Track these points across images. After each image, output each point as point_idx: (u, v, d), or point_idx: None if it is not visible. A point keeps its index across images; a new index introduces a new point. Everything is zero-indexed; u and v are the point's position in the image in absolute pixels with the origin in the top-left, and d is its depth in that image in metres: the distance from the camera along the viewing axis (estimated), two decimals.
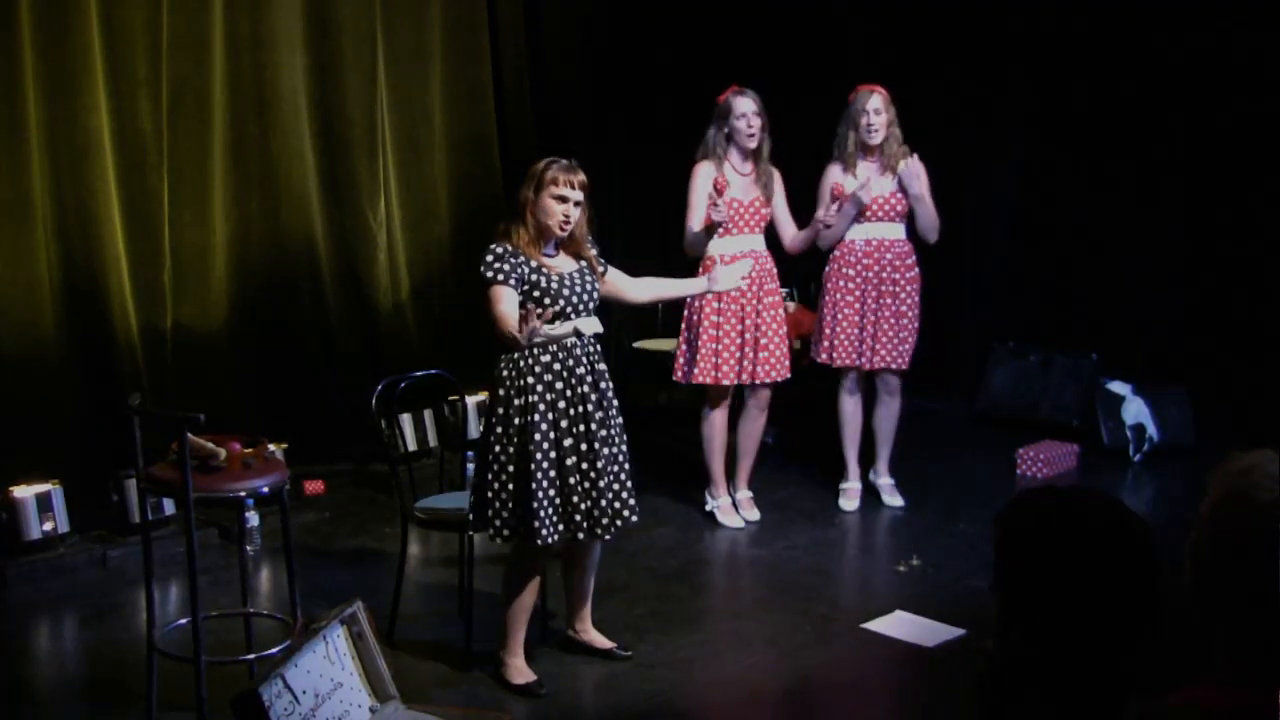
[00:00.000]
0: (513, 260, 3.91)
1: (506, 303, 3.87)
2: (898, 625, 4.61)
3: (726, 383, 5.44)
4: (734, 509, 5.69)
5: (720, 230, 5.31)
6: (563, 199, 3.96)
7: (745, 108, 5.31)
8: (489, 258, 3.92)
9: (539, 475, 3.88)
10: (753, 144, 5.33)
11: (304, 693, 3.19)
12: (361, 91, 6.37)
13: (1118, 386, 6.75)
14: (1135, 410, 6.67)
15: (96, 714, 4.02)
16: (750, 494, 5.75)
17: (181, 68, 5.71)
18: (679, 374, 5.54)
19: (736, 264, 4.58)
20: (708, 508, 5.73)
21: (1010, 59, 7.30)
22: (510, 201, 4.18)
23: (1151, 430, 6.65)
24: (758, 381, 5.48)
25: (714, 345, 5.40)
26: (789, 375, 5.55)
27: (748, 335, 5.42)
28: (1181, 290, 6.89)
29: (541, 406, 3.91)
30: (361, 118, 6.38)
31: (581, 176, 4.02)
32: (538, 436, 3.89)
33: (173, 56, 5.66)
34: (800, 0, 7.59)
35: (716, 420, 5.58)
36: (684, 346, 5.53)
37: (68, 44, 5.28)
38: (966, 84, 7.31)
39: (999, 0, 7.22)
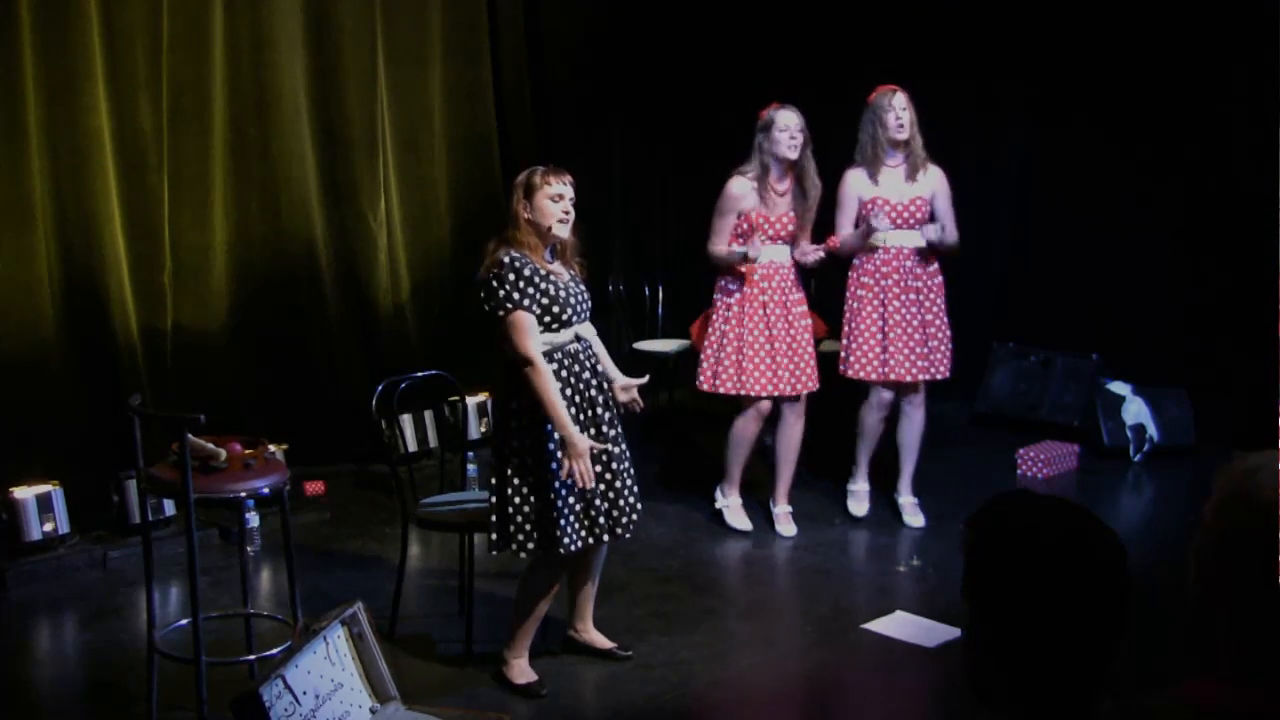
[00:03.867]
0: (529, 271, 3.86)
1: (534, 335, 3.83)
2: (898, 625, 4.61)
3: (753, 394, 5.35)
4: (743, 511, 5.63)
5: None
6: (558, 196, 3.94)
7: (789, 121, 5.22)
8: (510, 275, 3.83)
9: (557, 484, 3.88)
10: (793, 155, 5.20)
11: (304, 693, 3.19)
12: (361, 92, 6.37)
13: (1118, 386, 6.75)
14: (1135, 410, 6.67)
15: (97, 715, 4.03)
16: (789, 509, 5.64)
17: (181, 68, 5.71)
18: (705, 383, 5.43)
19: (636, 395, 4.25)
20: (716, 505, 5.68)
21: (1011, 58, 7.30)
22: (504, 214, 4.07)
23: (1152, 430, 6.65)
24: (794, 393, 5.40)
25: (736, 357, 5.33)
26: (818, 386, 5.48)
27: (779, 345, 5.33)
28: (1181, 290, 6.89)
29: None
30: (361, 118, 6.38)
31: (569, 175, 4.01)
32: (552, 446, 3.88)
33: (173, 57, 5.66)
34: (801, 1, 7.60)
35: (747, 427, 5.47)
36: (710, 355, 5.41)
37: (68, 44, 5.28)
38: (967, 83, 7.31)
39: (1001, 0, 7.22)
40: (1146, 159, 6.92)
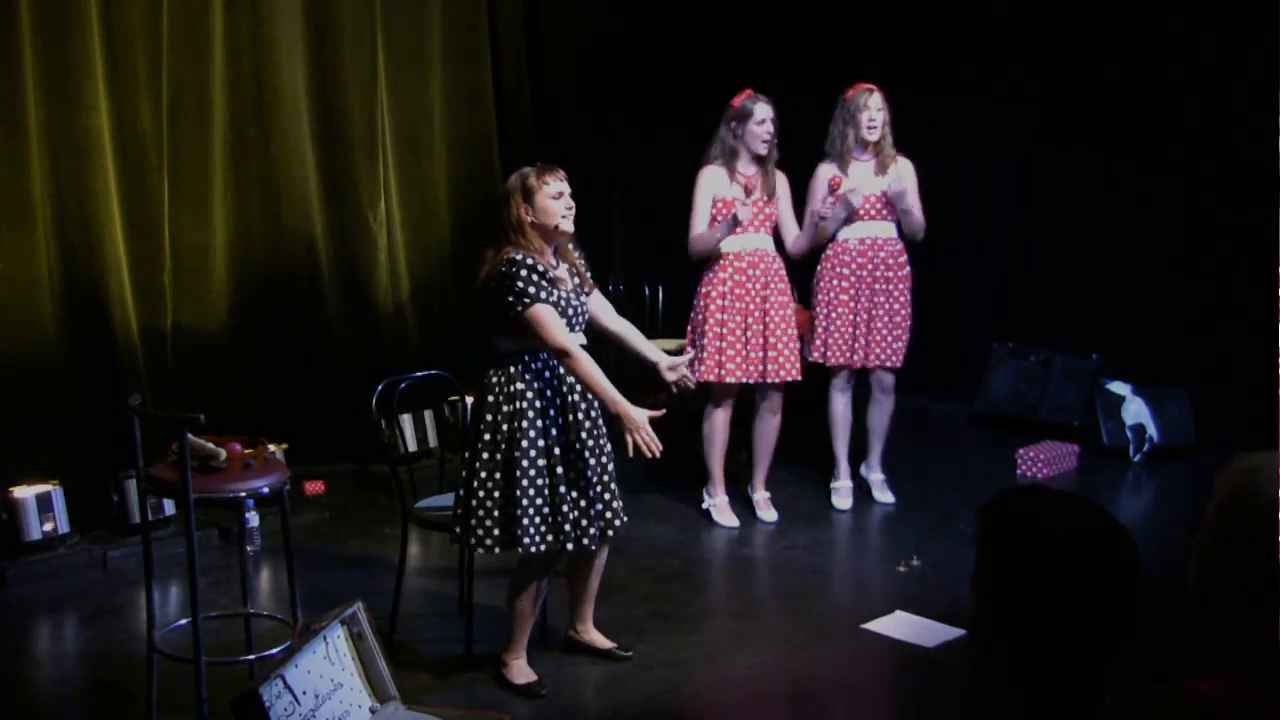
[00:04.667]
0: (543, 268, 3.85)
1: (558, 324, 3.81)
2: (898, 625, 4.61)
3: (731, 380, 5.44)
4: (730, 508, 5.69)
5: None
6: (558, 194, 3.92)
7: (765, 113, 5.31)
8: (524, 271, 3.79)
9: (524, 483, 3.86)
10: (765, 150, 5.33)
11: (304, 693, 3.19)
12: (361, 91, 6.37)
13: (1118, 386, 6.75)
14: (1135, 410, 6.67)
15: (97, 714, 4.02)
16: (767, 494, 5.76)
17: (181, 68, 5.72)
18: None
19: (686, 371, 4.28)
20: (704, 506, 5.75)
21: (1011, 58, 7.30)
22: (503, 221, 3.97)
23: (1152, 430, 6.65)
24: (769, 381, 5.47)
25: (718, 344, 5.41)
26: (800, 376, 5.55)
27: (753, 335, 5.41)
28: (1181, 290, 6.89)
29: (531, 414, 3.89)
30: (361, 118, 6.38)
31: (561, 170, 3.99)
32: (525, 444, 3.87)
33: (173, 56, 5.66)
34: (802, 2, 7.60)
35: (718, 419, 5.59)
36: (690, 346, 5.52)
37: (68, 44, 5.28)
38: (967, 83, 7.31)
39: (1001, 1, 7.22)
40: (1146, 159, 6.92)
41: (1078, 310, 7.23)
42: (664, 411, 3.88)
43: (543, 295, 3.81)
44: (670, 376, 4.20)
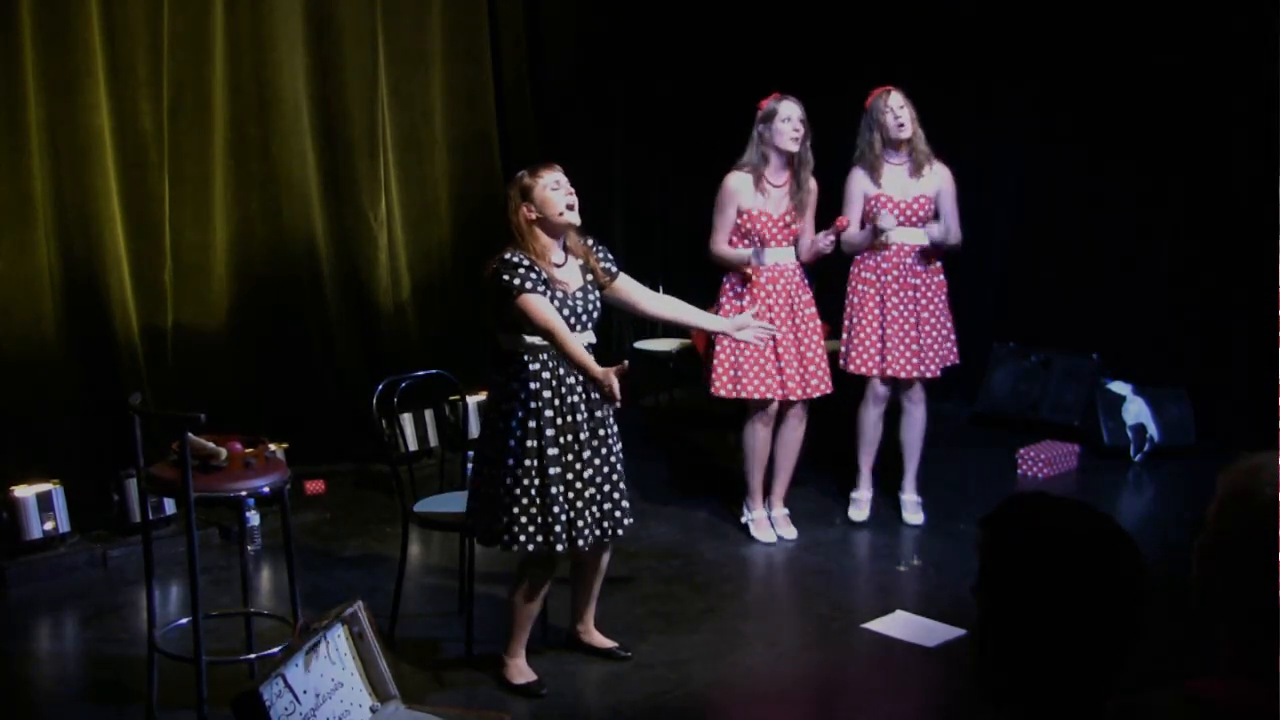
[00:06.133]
0: (529, 262, 3.85)
1: (548, 308, 3.82)
2: (898, 625, 4.61)
3: (750, 396, 5.29)
4: (769, 524, 5.54)
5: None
6: (555, 184, 3.93)
7: (791, 111, 5.15)
8: (511, 266, 3.83)
9: (509, 481, 3.89)
10: (795, 147, 5.13)
11: (305, 692, 3.19)
12: (362, 91, 6.37)
13: (1118, 386, 6.75)
14: (1136, 410, 6.67)
15: (97, 714, 4.02)
16: (786, 511, 5.58)
17: (182, 68, 5.72)
18: (721, 388, 5.33)
19: (760, 323, 4.44)
20: (743, 520, 5.57)
21: (1011, 58, 7.30)
22: (506, 224, 4.00)
23: (1152, 430, 6.65)
24: (803, 397, 5.35)
25: (734, 358, 5.26)
26: (831, 389, 5.41)
27: (785, 349, 5.27)
28: (1181, 290, 6.88)
29: (521, 414, 3.89)
30: (362, 117, 6.38)
31: (556, 165, 4.00)
32: (512, 443, 3.89)
33: (173, 56, 5.66)
34: (802, 1, 7.60)
35: (756, 432, 5.41)
36: (725, 359, 5.30)
37: (68, 44, 5.28)
38: (967, 84, 7.30)
39: (1000, 1, 7.22)
40: (1146, 158, 6.92)
41: (1078, 310, 7.23)
42: (626, 364, 3.80)
43: (528, 286, 3.82)
44: (745, 337, 4.34)
